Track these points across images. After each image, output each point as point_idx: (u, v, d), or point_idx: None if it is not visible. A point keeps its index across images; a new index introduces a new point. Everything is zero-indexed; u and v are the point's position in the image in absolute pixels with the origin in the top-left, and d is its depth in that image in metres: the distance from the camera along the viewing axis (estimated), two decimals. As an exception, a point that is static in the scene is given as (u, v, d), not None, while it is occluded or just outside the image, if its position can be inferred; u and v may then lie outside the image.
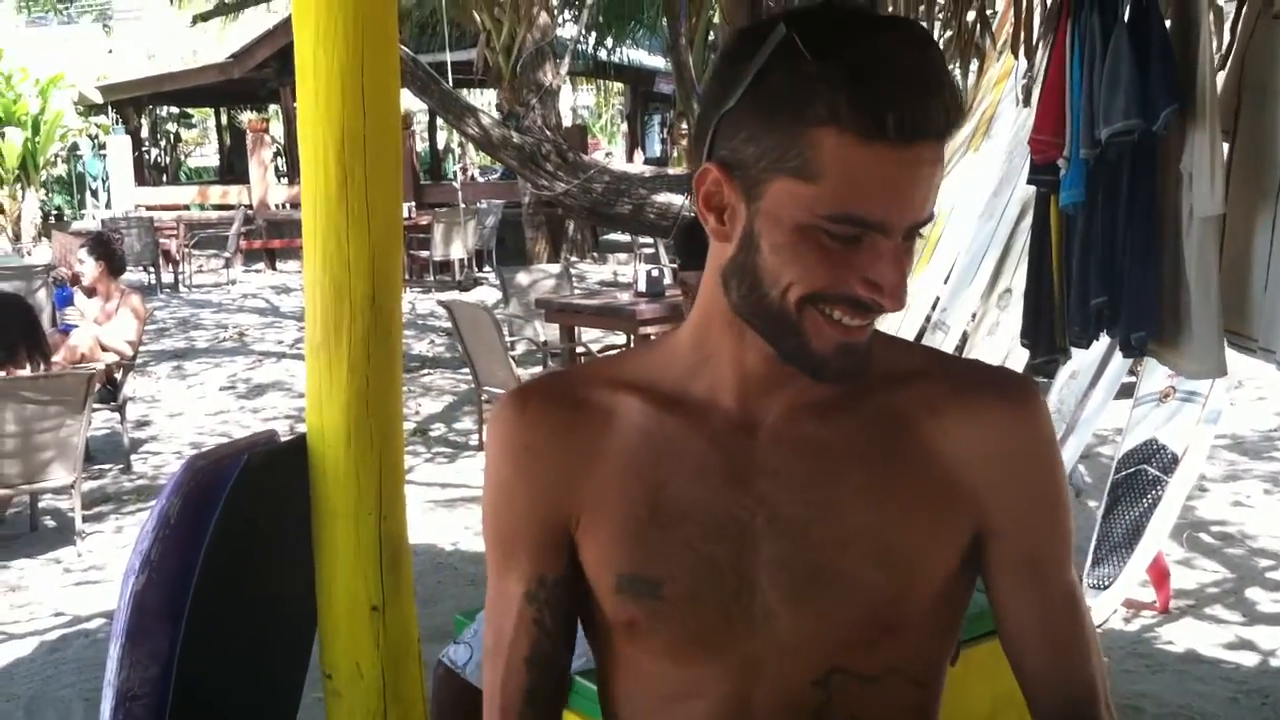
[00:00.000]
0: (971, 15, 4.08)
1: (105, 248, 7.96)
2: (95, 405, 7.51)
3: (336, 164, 3.07)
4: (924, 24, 4.25)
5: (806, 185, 1.10)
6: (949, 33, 4.16)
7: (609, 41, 18.71)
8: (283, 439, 3.31)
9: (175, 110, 28.86)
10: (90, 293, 7.94)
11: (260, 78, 21.15)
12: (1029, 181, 3.42)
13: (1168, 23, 3.09)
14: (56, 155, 23.72)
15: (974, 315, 6.41)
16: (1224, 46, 3.21)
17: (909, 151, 1.08)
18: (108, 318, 7.75)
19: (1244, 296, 3.06)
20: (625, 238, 17.49)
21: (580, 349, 8.63)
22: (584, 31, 16.64)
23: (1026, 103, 4.08)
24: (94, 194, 24.11)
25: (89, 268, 7.77)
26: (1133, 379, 6.80)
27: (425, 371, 10.41)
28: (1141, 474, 4.90)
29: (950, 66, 4.41)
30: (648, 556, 1.25)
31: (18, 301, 6.58)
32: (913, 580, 1.23)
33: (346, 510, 3.12)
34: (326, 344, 3.14)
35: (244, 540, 3.08)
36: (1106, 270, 3.09)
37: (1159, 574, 4.91)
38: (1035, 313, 3.42)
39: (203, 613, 2.98)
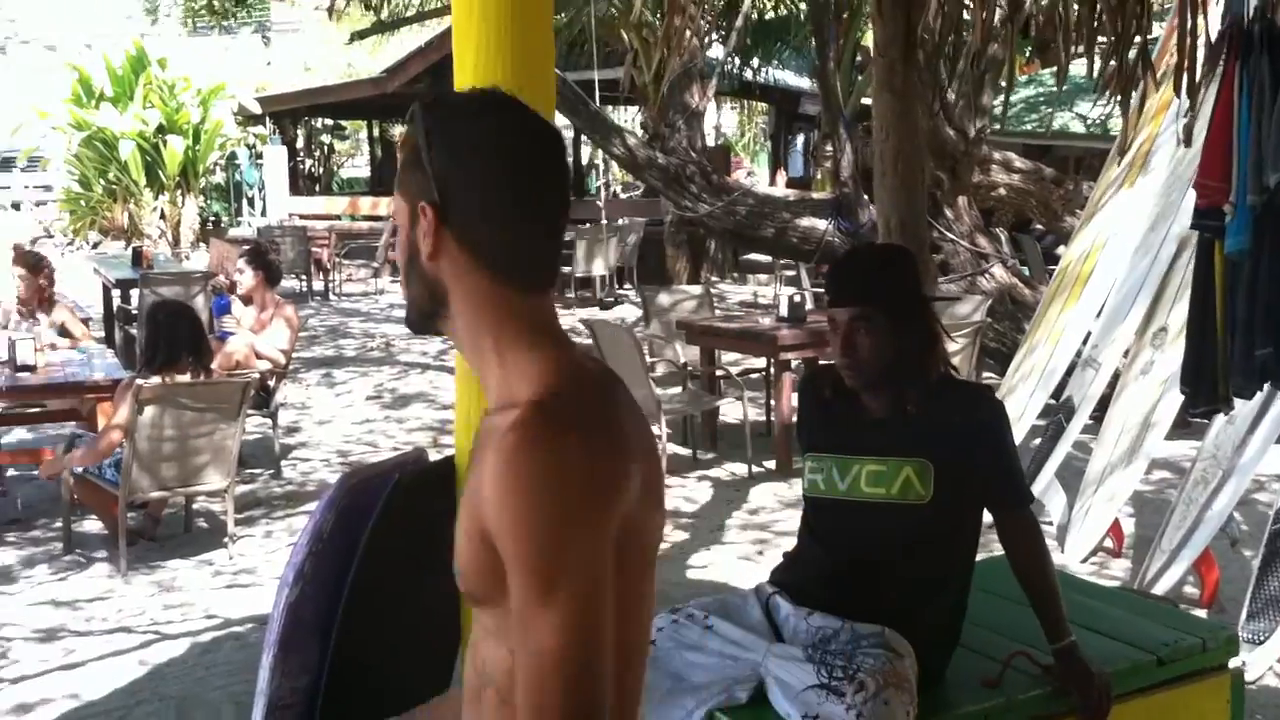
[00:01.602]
0: (1134, 52, 4.00)
1: (262, 258, 8.21)
2: (249, 411, 7.77)
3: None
4: (1084, 58, 4.19)
5: None
6: (1111, 64, 4.08)
7: (755, 61, 18.69)
8: (431, 456, 3.39)
9: (329, 122, 29.59)
10: (247, 301, 8.19)
11: (413, 92, 21.55)
12: (1193, 226, 3.35)
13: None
14: (215, 163, 24.49)
15: (1126, 353, 6.27)
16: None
17: None
18: (263, 326, 7.98)
19: None
20: (766, 258, 17.44)
21: (720, 372, 8.62)
22: (731, 54, 16.65)
23: (1188, 143, 3.99)
24: (250, 202, 24.85)
25: (246, 277, 8.03)
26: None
27: (565, 388, 10.48)
28: (1302, 524, 4.74)
29: (1112, 100, 4.33)
30: None
31: (186, 311, 6.80)
32: None
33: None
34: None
35: (394, 557, 3.15)
36: (1273, 320, 3.00)
37: (1317, 630, 4.73)
38: (1197, 361, 3.34)
39: (352, 627, 3.06)
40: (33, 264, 8.17)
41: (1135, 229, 6.54)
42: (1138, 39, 3.98)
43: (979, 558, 3.02)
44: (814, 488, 2.95)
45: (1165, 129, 6.74)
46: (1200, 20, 3.71)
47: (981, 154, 9.90)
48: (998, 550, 3.03)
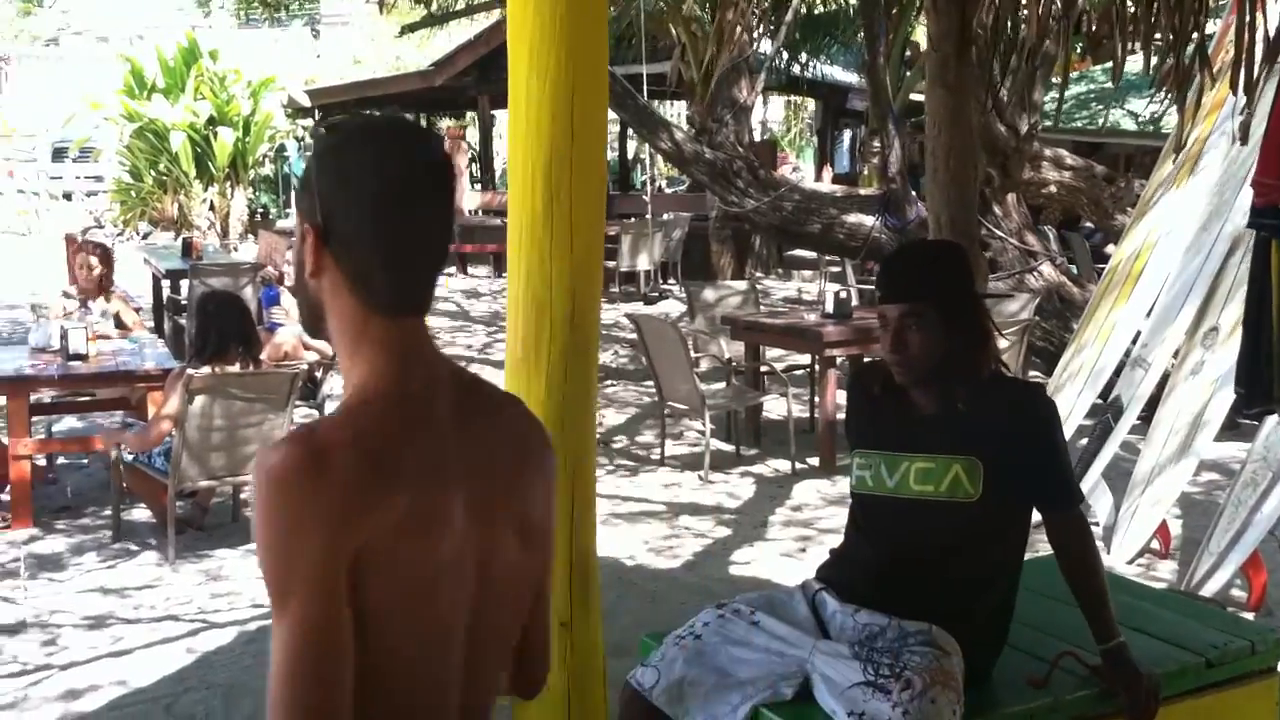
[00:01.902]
0: (1191, 48, 3.96)
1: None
2: (296, 402, 7.82)
3: (544, 184, 3.14)
4: (1141, 54, 4.15)
5: None
6: (1169, 61, 4.04)
7: (803, 56, 18.63)
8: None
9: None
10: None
11: (460, 85, 21.65)
12: (1250, 224, 3.31)
13: None
14: (265, 155, 24.65)
15: (1176, 353, 6.20)
16: None
17: None
18: (311, 317, 8.02)
19: None
20: (810, 255, 17.40)
21: (765, 368, 8.61)
22: (780, 49, 16.61)
23: (1244, 141, 3.95)
24: (298, 195, 25.01)
25: (290, 266, 8.07)
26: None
27: (609, 383, 10.51)
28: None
29: (1170, 96, 4.28)
30: None
31: (236, 302, 6.85)
32: None
33: (540, 525, 3.20)
34: (527, 360, 3.22)
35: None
36: (1330, 321, 2.96)
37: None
38: (1252, 360, 3.30)
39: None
40: (104, 254, 8.24)
41: (1187, 228, 6.48)
42: (1195, 35, 3.94)
43: (1026, 557, 3.00)
44: (862, 484, 2.94)
45: (1218, 127, 6.67)
46: (1259, 16, 3.66)
47: (1033, 150, 9.82)
48: (1045, 549, 3.01)
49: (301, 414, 8.29)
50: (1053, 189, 10.18)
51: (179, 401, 5.85)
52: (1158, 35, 3.97)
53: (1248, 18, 3.61)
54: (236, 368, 6.25)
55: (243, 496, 6.82)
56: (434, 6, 16.86)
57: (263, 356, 7.02)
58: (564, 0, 3.00)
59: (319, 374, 7.96)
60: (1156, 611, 3.28)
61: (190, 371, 5.98)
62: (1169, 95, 4.15)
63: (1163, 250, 6.62)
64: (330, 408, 8.86)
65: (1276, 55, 3.37)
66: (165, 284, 11.94)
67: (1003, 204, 9.43)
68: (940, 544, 2.83)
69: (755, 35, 14.11)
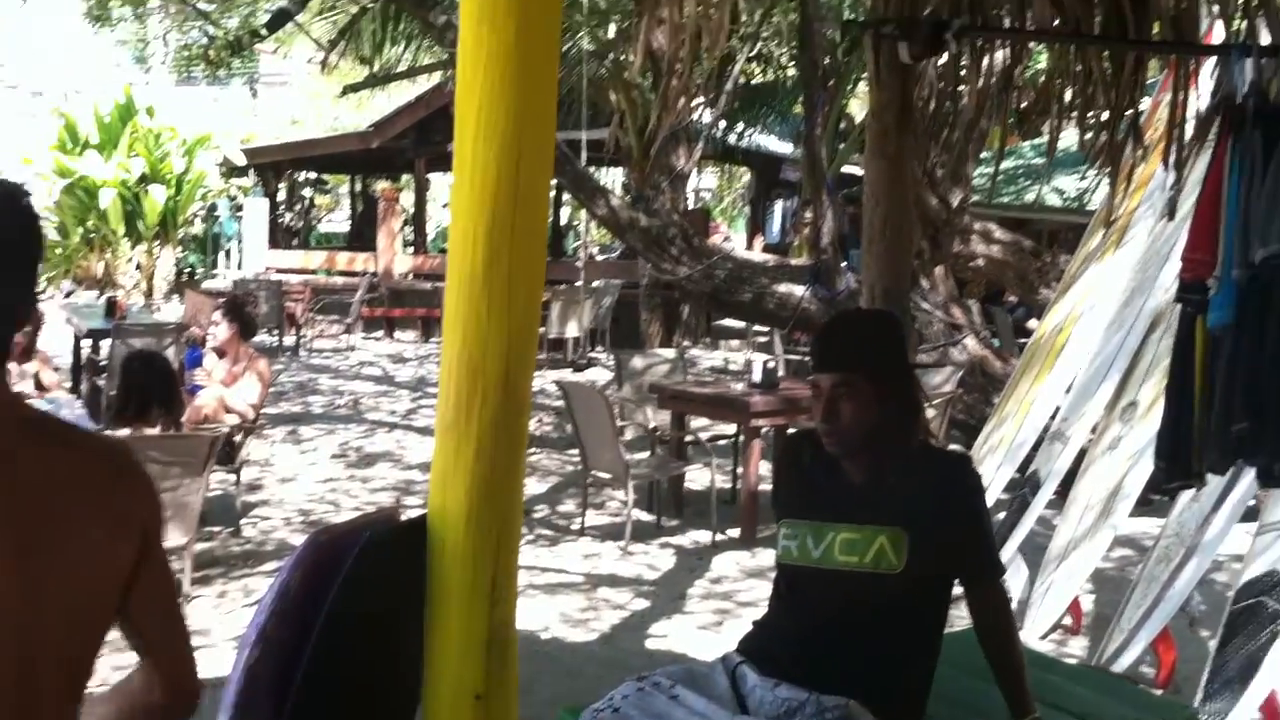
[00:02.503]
0: (1124, 123, 4.02)
1: (239, 311, 8.15)
2: (214, 467, 7.67)
3: (485, 247, 3.10)
4: (1076, 128, 4.21)
5: None
6: (1102, 137, 4.10)
7: (740, 126, 18.83)
8: (403, 515, 3.34)
9: (312, 175, 29.63)
10: (220, 354, 8.11)
11: (397, 147, 21.66)
12: (1177, 299, 3.34)
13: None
14: (196, 214, 24.40)
15: (1094, 428, 6.25)
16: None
17: None
18: (233, 380, 7.89)
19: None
20: (738, 324, 17.47)
21: (689, 437, 8.58)
22: (719, 118, 16.77)
23: (1172, 217, 4.01)
24: (227, 255, 24.77)
25: (222, 329, 7.95)
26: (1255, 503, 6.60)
27: (533, 451, 10.42)
28: (1261, 606, 4.69)
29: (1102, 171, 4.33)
30: None
31: (161, 362, 6.71)
32: None
33: (461, 593, 3.11)
34: (457, 424, 3.15)
35: (358, 619, 3.07)
36: (1252, 396, 2.98)
37: (1274, 714, 4.69)
38: (1173, 435, 3.31)
39: (311, 691, 2.98)
40: (35, 320, 8.06)
41: (1110, 303, 6.56)
42: (1129, 111, 4.00)
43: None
44: (787, 554, 2.90)
45: (1144, 203, 6.80)
46: (1190, 93, 3.74)
47: (963, 224, 9.95)
48: (960, 623, 2.99)
49: (218, 479, 8.17)
50: (981, 262, 10.30)
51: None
52: (1091, 111, 4.03)
53: (1180, 94, 3.68)
54: (157, 429, 6.11)
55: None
56: (376, 67, 16.86)
57: (183, 419, 6.89)
58: (514, 65, 2.98)
59: (238, 438, 7.81)
60: (1071, 687, 3.26)
61: (107, 432, 5.84)
62: (1099, 171, 4.19)
63: (1085, 325, 6.69)
64: (248, 473, 8.71)
65: (1207, 132, 3.42)
66: (86, 344, 11.72)
67: (930, 277, 9.52)
68: (862, 616, 2.80)
69: (695, 104, 14.25)
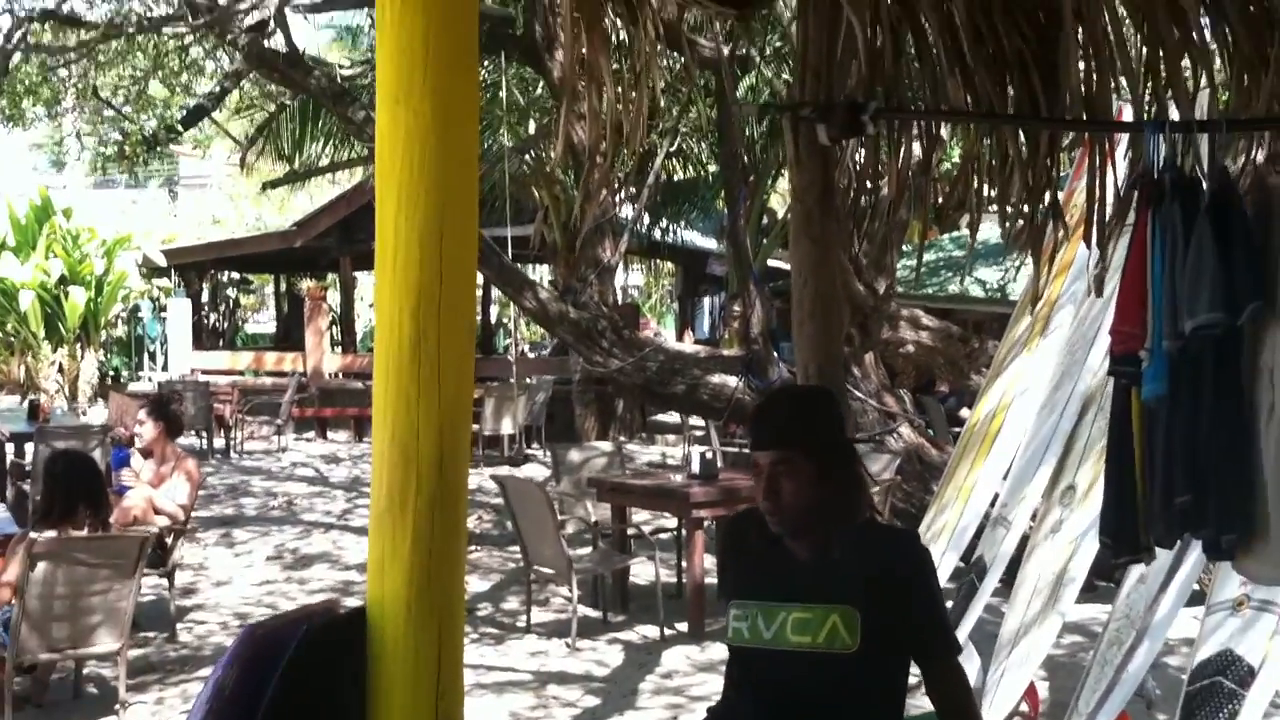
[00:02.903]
0: (1044, 203, 4.10)
1: (164, 409, 8.04)
2: (144, 570, 7.50)
3: (411, 327, 3.08)
4: (995, 211, 4.29)
5: None
6: (1020, 223, 4.17)
7: (664, 222, 19.05)
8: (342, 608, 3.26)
9: (235, 276, 29.46)
10: (146, 454, 7.97)
11: (321, 246, 21.63)
12: (1109, 373, 3.38)
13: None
14: (117, 316, 24.11)
15: (1035, 514, 6.29)
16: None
17: None
18: (161, 480, 7.76)
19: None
20: (673, 418, 17.47)
21: (631, 530, 8.53)
22: (642, 212, 16.96)
23: (1099, 293, 4.07)
24: (151, 356, 24.47)
25: (148, 429, 7.82)
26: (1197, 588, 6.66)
27: (473, 548, 10.31)
28: (1218, 686, 4.70)
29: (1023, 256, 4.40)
30: None
31: (86, 462, 6.60)
32: None
33: (404, 687, 3.05)
34: (391, 511, 3.10)
35: (298, 714, 3.00)
36: (1191, 467, 3.01)
37: (1236, 794, 4.69)
38: (1117, 511, 3.32)
39: (251, 791, 2.89)
40: None
41: (1041, 387, 6.63)
42: (1047, 193, 4.08)
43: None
44: (738, 636, 2.87)
45: (1066, 290, 6.91)
46: (1108, 170, 3.82)
47: (890, 309, 10.07)
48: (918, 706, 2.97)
49: (151, 583, 8.00)
50: (910, 349, 10.42)
51: (20, 568, 5.55)
52: (1010, 194, 4.10)
53: (1096, 174, 3.76)
54: (84, 531, 5.97)
55: (85, 671, 6.47)
56: (296, 164, 16.90)
57: (111, 520, 6.74)
58: (433, 141, 2.99)
59: (169, 540, 7.65)
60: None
61: (33, 535, 5.70)
62: (1020, 255, 4.28)
63: (1018, 410, 6.75)
64: (182, 577, 8.53)
65: (1126, 209, 3.49)
66: (10, 448, 11.48)
67: (861, 365, 9.61)
68: (820, 698, 2.76)
69: (619, 197, 14.41)
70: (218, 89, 15.47)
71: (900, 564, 2.84)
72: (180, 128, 16.39)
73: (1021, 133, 4.03)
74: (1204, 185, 3.16)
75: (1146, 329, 3.10)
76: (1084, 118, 3.84)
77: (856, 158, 4.55)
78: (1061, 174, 8.42)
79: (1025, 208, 4.12)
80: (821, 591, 2.80)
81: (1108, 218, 3.82)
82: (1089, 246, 3.91)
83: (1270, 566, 2.96)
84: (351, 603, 3.07)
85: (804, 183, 4.11)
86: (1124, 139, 4.56)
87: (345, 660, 3.13)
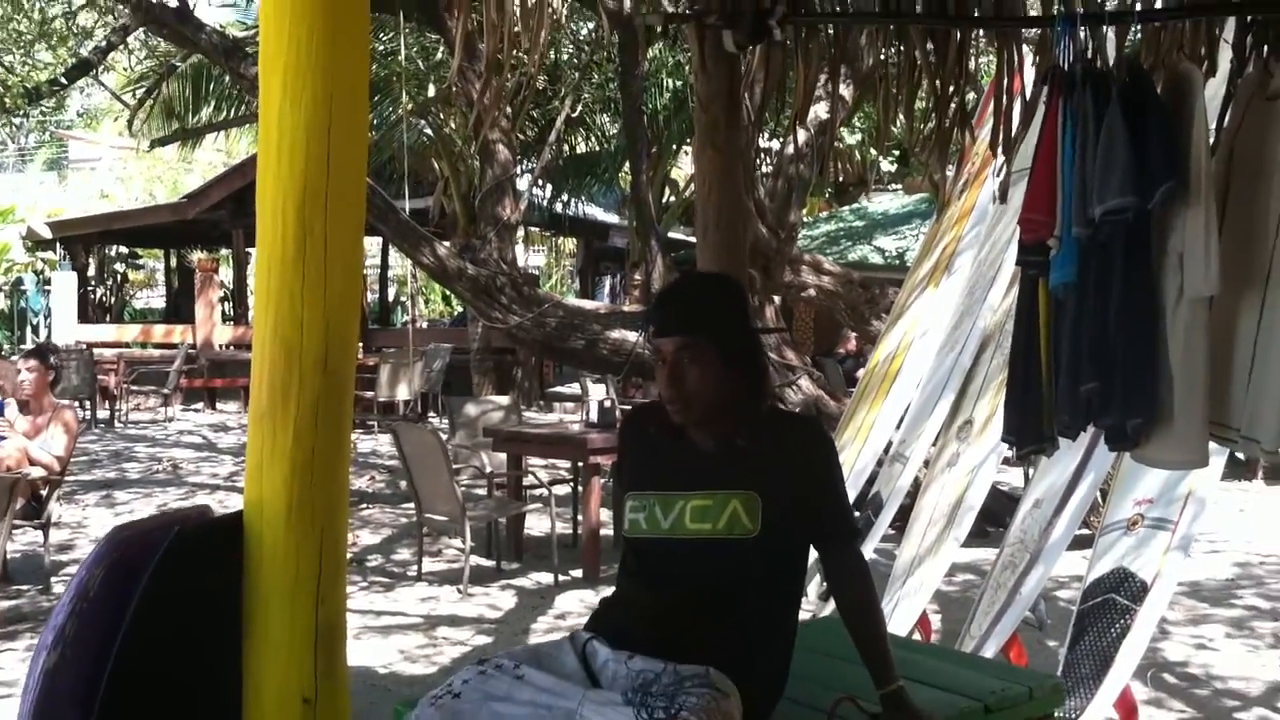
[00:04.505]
0: (951, 110, 4.03)
1: (45, 356, 7.73)
2: (19, 522, 7.21)
3: (296, 221, 2.92)
4: (903, 117, 4.21)
5: None
6: (930, 125, 4.11)
7: (565, 196, 18.92)
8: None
9: (124, 250, 28.67)
10: (24, 407, 7.66)
11: (213, 219, 21.08)
12: (1018, 263, 3.31)
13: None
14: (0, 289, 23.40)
15: (933, 446, 6.27)
16: (1213, 128, 3.14)
17: None
18: (38, 432, 7.46)
19: (1225, 384, 2.93)
20: (572, 389, 17.34)
21: (528, 480, 8.38)
22: (540, 180, 16.79)
23: (1004, 200, 4.02)
24: (35, 329, 23.76)
25: (32, 376, 7.51)
26: (1086, 531, 6.71)
27: (365, 507, 10.10)
28: (1111, 603, 4.70)
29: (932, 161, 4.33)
30: None
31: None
32: None
33: (282, 591, 2.89)
34: (272, 410, 2.94)
35: (168, 621, 2.82)
36: (1098, 355, 2.95)
37: (1126, 709, 4.68)
38: (1021, 405, 3.27)
39: (118, 700, 2.71)
40: None
41: (940, 328, 6.62)
42: (955, 99, 4.01)
43: (806, 618, 2.86)
44: (635, 527, 2.74)
45: (968, 234, 6.91)
46: (1016, 82, 3.77)
47: (792, 253, 10.02)
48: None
49: (27, 540, 7.71)
50: (812, 293, 10.34)
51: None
52: (918, 95, 4.04)
53: (1005, 78, 3.71)
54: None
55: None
56: (188, 124, 16.49)
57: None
58: (321, 28, 2.83)
59: (44, 492, 7.36)
60: (934, 664, 3.18)
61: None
62: (925, 159, 4.21)
63: (918, 350, 6.74)
64: (60, 535, 8.23)
65: (1034, 107, 3.43)
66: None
67: (762, 318, 9.54)
68: (718, 585, 2.65)
69: (517, 156, 14.24)
70: (104, 44, 14.94)
71: (801, 447, 2.75)
72: (64, 80, 15.82)
73: (930, 38, 3.96)
74: (1114, 74, 3.11)
75: (1056, 217, 3.04)
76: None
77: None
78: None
79: (934, 112, 4.04)
80: (721, 478, 2.70)
81: (1014, 125, 3.77)
82: (994, 154, 3.86)
83: (1175, 451, 2.91)
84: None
85: (710, 92, 4.02)
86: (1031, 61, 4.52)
87: (219, 565, 2.95)
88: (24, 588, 7.22)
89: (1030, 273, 3.19)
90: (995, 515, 7.41)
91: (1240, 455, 3.71)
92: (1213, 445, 3.07)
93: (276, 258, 2.94)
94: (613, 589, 2.91)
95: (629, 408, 3.01)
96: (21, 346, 22.99)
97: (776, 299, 10.58)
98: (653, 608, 2.68)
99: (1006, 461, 6.51)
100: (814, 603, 6.07)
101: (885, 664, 2.70)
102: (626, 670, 2.58)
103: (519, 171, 15.17)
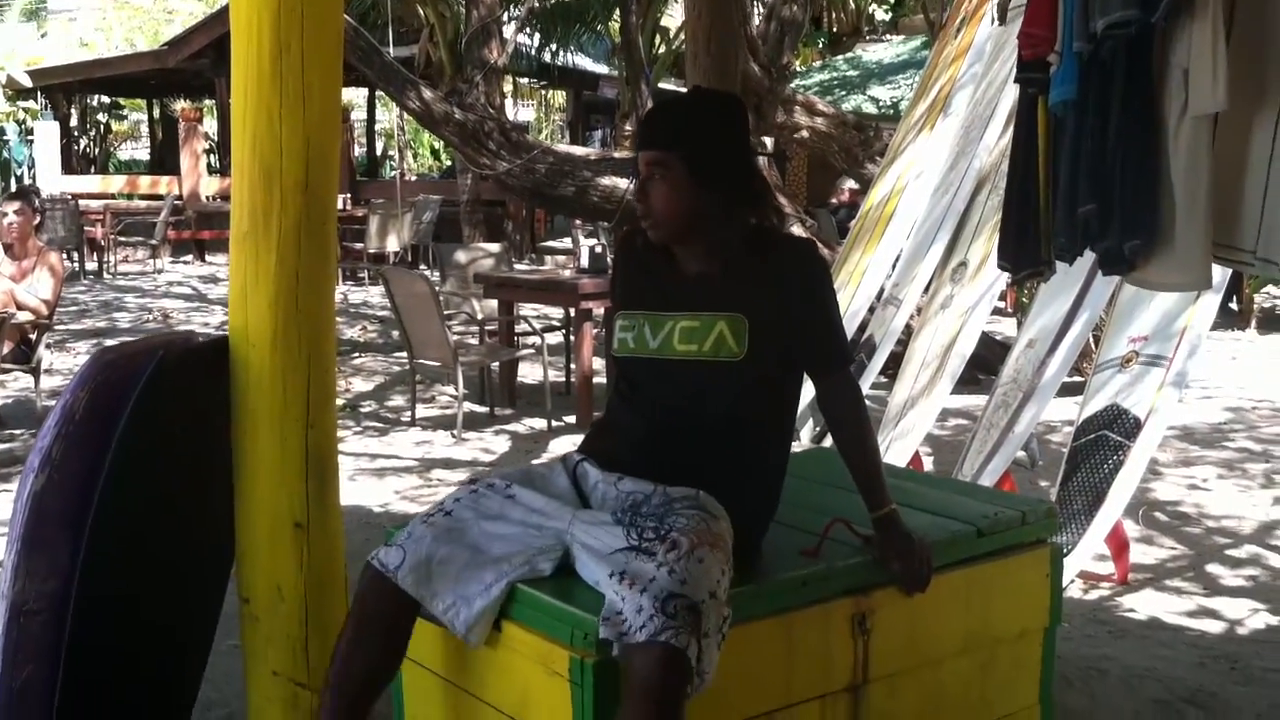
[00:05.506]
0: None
1: (30, 199, 7.65)
2: (9, 366, 7.21)
3: (271, 38, 2.84)
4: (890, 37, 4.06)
5: None
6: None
7: (553, 46, 18.58)
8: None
9: (106, 100, 28.20)
10: (8, 250, 7.58)
11: (195, 68, 20.67)
12: (1016, 79, 3.23)
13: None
14: (-19, 137, 23.06)
15: (927, 289, 6.24)
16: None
17: None
18: (24, 275, 7.40)
19: (1237, 204, 2.87)
20: (564, 243, 17.24)
21: (521, 327, 8.35)
22: (528, 25, 16.45)
23: (1003, 20, 3.91)
24: (18, 180, 23.45)
25: (16, 219, 7.42)
26: (1076, 378, 6.72)
27: (356, 355, 10.09)
28: (1104, 439, 4.73)
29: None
30: None
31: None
32: None
33: (271, 416, 2.87)
34: (254, 233, 2.89)
35: (156, 444, 2.80)
36: (1097, 175, 2.89)
37: (1118, 544, 4.75)
38: (1019, 228, 3.21)
39: (108, 523, 2.71)
40: None
41: (936, 169, 6.54)
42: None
43: (799, 450, 2.84)
44: (624, 346, 2.71)
45: (965, 72, 6.77)
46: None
47: (785, 93, 9.86)
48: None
49: (19, 386, 7.70)
50: (805, 134, 10.19)
51: None
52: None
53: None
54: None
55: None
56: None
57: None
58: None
59: (33, 336, 7.33)
60: (927, 490, 3.18)
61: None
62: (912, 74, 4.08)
63: (912, 193, 6.67)
64: (50, 382, 8.21)
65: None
66: None
67: (754, 165, 9.43)
68: (706, 407, 2.63)
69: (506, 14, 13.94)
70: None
71: (791, 269, 2.68)
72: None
73: None
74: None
75: (1057, 32, 2.95)
76: None
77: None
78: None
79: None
80: (709, 299, 2.65)
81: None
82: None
83: (1174, 272, 2.87)
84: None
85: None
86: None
87: (207, 389, 2.94)
88: (17, 431, 7.24)
89: (1029, 90, 3.11)
90: (987, 362, 7.41)
91: (1254, 275, 3.66)
92: (1216, 270, 3.03)
93: (253, 76, 2.86)
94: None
95: (626, 231, 2.92)
96: (10, 193, 22.75)
97: (769, 141, 10.43)
98: (644, 430, 2.66)
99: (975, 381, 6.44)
100: (806, 445, 6.09)
101: (878, 488, 2.69)
102: (616, 491, 2.57)
103: (506, 18, 14.87)
